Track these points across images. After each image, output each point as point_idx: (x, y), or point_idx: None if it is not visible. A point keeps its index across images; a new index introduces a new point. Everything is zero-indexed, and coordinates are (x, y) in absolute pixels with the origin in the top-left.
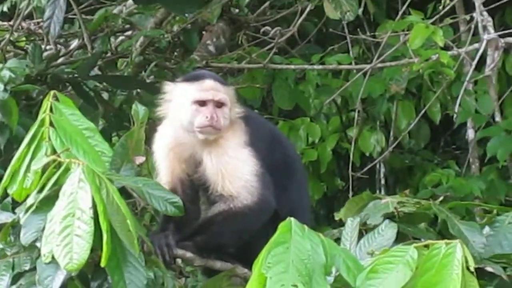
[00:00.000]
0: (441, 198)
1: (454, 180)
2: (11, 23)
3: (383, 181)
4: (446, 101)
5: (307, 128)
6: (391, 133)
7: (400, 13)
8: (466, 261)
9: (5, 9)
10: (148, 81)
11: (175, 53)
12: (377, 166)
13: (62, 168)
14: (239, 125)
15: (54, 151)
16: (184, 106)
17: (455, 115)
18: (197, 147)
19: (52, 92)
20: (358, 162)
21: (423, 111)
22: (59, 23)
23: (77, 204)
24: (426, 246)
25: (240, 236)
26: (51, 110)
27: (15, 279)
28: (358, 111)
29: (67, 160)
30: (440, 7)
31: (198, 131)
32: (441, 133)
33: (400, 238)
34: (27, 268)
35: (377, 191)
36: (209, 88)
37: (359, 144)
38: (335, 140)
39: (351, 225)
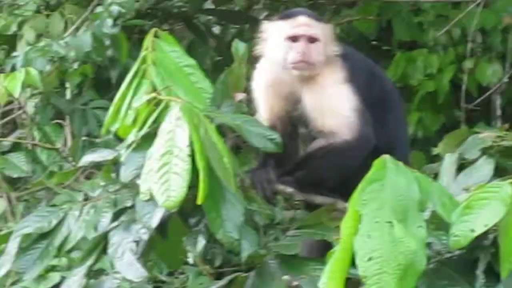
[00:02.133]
0: None
1: None
2: None
3: (499, 112)
4: None
5: (425, 59)
6: (507, 64)
7: None
8: None
9: None
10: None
11: None
12: (493, 97)
13: (162, 105)
14: (337, 62)
15: (155, 89)
16: (278, 43)
17: None
18: (296, 84)
19: (153, 30)
20: (475, 93)
21: None
22: None
23: (174, 142)
24: None
25: (340, 172)
26: (153, 47)
27: (116, 215)
28: (474, 42)
29: (167, 98)
30: None
31: (292, 67)
32: None
33: (501, 172)
34: (128, 205)
35: (493, 123)
36: (302, 24)
37: (476, 75)
38: (453, 71)
39: (449, 161)
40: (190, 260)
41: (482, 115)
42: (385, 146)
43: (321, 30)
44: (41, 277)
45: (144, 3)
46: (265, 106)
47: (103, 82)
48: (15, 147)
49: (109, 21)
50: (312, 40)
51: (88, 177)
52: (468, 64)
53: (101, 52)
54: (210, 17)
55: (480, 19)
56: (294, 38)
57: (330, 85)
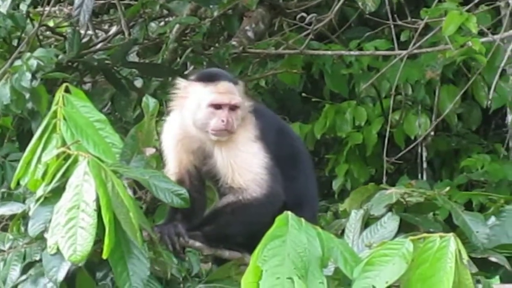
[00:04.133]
0: (447, 189)
1: (489, 165)
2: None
3: (425, 165)
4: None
5: (353, 111)
6: (433, 117)
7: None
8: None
9: None
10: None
11: (216, 39)
12: (419, 150)
13: (70, 160)
14: (249, 119)
15: (64, 143)
16: (199, 108)
17: (488, 101)
18: (207, 140)
19: (64, 85)
20: (402, 146)
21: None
22: (88, 12)
23: (81, 196)
24: (422, 238)
25: (249, 228)
26: (64, 102)
27: (25, 269)
28: (405, 95)
29: (76, 152)
30: None
31: (212, 133)
32: (492, 117)
33: (408, 228)
34: (37, 259)
35: (419, 176)
36: (225, 91)
37: (404, 127)
38: (380, 123)
39: (355, 217)
40: None
41: (409, 167)
42: (293, 202)
43: (240, 94)
44: None
45: (65, 56)
46: (174, 159)
47: (25, 134)
48: None
49: (28, 75)
50: (234, 107)
51: (4, 229)
52: (397, 116)
53: (20, 105)
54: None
55: (405, 72)
56: (217, 106)
57: (242, 142)
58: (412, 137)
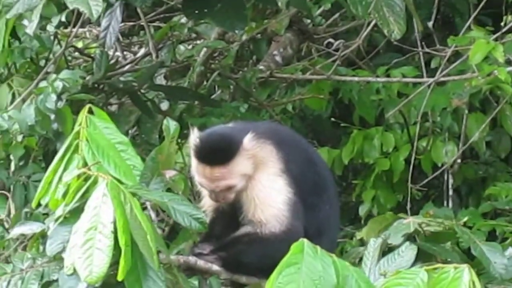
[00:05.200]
0: (465, 219)
1: None
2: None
3: (451, 192)
4: None
5: (381, 137)
6: (460, 145)
7: (464, 27)
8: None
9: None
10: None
11: (245, 63)
12: (445, 177)
13: (90, 181)
14: (271, 153)
15: (86, 164)
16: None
17: None
18: None
19: (87, 106)
20: (429, 173)
21: (485, 123)
22: (115, 34)
23: (99, 218)
24: (438, 268)
25: (263, 260)
26: (87, 123)
27: None
28: (433, 122)
29: (96, 173)
30: (502, 24)
31: None
32: None
33: (426, 257)
34: (55, 278)
35: (445, 203)
36: (209, 177)
37: (432, 154)
38: (408, 150)
39: (373, 245)
40: None
41: (436, 195)
42: (314, 230)
43: (236, 173)
44: None
45: (91, 78)
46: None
47: (50, 154)
48: None
49: (53, 96)
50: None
51: (25, 248)
52: (424, 143)
53: (45, 126)
54: (160, 92)
55: (431, 100)
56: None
57: (265, 178)
58: (439, 164)
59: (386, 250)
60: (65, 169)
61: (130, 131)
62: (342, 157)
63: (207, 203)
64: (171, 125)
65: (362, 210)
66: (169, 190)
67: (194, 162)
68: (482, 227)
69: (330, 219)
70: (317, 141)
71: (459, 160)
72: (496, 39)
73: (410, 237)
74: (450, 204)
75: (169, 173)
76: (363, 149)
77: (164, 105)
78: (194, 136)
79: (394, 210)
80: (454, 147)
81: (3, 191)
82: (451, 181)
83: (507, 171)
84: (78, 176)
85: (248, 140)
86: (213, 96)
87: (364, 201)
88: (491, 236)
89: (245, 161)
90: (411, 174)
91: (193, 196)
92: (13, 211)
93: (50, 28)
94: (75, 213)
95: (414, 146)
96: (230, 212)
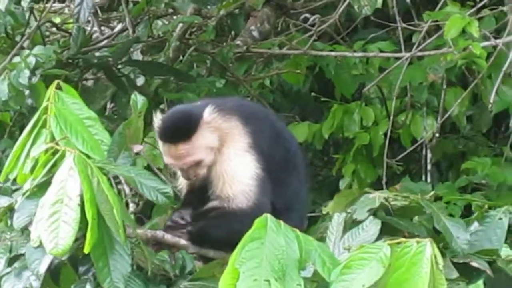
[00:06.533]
0: (431, 193)
1: (490, 168)
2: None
3: (429, 167)
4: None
5: (361, 111)
6: (439, 119)
7: (441, 2)
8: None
9: None
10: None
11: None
12: (423, 152)
13: (58, 155)
14: (238, 128)
15: (53, 139)
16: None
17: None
18: None
19: (56, 82)
20: (409, 147)
21: (461, 97)
22: (88, 9)
23: (66, 191)
24: (400, 243)
25: (229, 235)
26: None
27: (11, 262)
28: (411, 96)
29: (63, 148)
30: None
31: None
32: (502, 120)
33: (393, 232)
34: (22, 252)
35: (423, 177)
36: (174, 155)
37: (410, 128)
38: (387, 124)
39: (337, 220)
40: None
41: (417, 169)
42: (282, 205)
43: (200, 148)
44: None
45: (66, 53)
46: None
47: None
48: None
49: (26, 71)
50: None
51: None
52: (402, 118)
53: (20, 101)
54: (135, 67)
55: (408, 74)
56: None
57: (233, 153)
58: (419, 139)
59: (353, 225)
60: (33, 144)
61: (108, 106)
62: (323, 131)
63: (182, 182)
64: (138, 100)
65: (343, 185)
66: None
67: (159, 143)
68: (457, 201)
69: (299, 195)
70: (300, 116)
71: (437, 135)
72: (471, 15)
73: (379, 212)
74: (429, 179)
75: (137, 148)
76: (343, 124)
77: (140, 80)
78: (157, 119)
79: (374, 184)
80: (433, 121)
81: None
82: (429, 155)
83: (487, 145)
84: (46, 151)
85: (208, 114)
86: (191, 72)
87: (345, 175)
88: (467, 211)
89: (208, 134)
90: (391, 149)
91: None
92: None
93: (24, 3)
94: (43, 187)
95: (391, 120)
96: (203, 189)
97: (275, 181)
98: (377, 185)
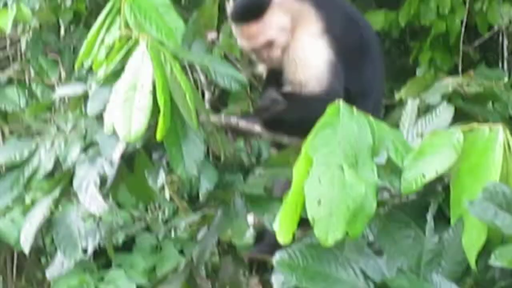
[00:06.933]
0: (506, 79)
1: None
2: None
3: (506, 54)
4: None
5: None
6: None
7: None
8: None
9: None
10: None
11: None
12: (500, 39)
13: (132, 42)
14: (311, 12)
15: (128, 26)
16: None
17: None
18: None
19: None
20: (485, 34)
21: None
22: None
23: (139, 78)
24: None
25: (303, 120)
26: None
27: (85, 149)
28: None
29: (137, 34)
30: None
31: None
32: None
33: (468, 119)
34: (97, 139)
35: (500, 65)
36: (247, 35)
37: (487, 15)
38: (464, 11)
39: (410, 106)
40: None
41: (495, 57)
42: (357, 91)
43: (271, 26)
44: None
45: None
46: None
47: None
48: (11, 82)
49: None
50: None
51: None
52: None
53: None
54: None
55: None
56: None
57: (305, 38)
58: (496, 26)
59: (427, 111)
60: (107, 31)
61: None
62: (399, 19)
63: (260, 68)
64: None
65: (420, 73)
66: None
67: (233, 27)
68: None
69: (374, 82)
70: (376, 4)
71: None
72: None
73: (451, 98)
74: (506, 67)
75: (211, 35)
76: (420, 11)
77: None
78: (230, 3)
79: (451, 72)
80: (509, 8)
81: (54, 55)
82: (506, 42)
83: None
84: (120, 38)
85: None
86: None
87: (421, 63)
88: None
89: (280, 14)
90: (468, 37)
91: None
92: (63, 75)
93: None
94: (116, 75)
95: (466, 7)
96: (279, 74)
97: (350, 67)
98: (453, 73)
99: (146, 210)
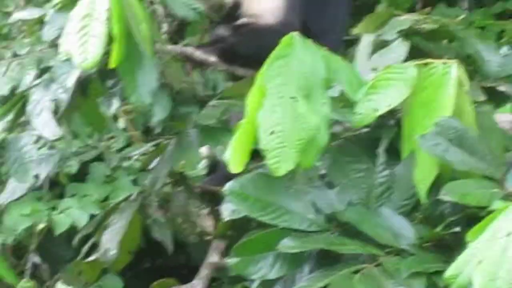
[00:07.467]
0: (462, 16)
1: None
2: None
3: None
4: None
5: None
6: None
7: None
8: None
9: None
10: None
11: None
12: None
13: None
14: None
15: None
16: None
17: None
18: None
19: None
20: None
21: None
22: None
23: (95, 5)
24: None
25: (258, 52)
26: None
27: (40, 74)
28: None
29: None
30: None
31: None
32: None
33: (422, 56)
34: (51, 64)
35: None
36: None
37: None
38: None
39: (366, 41)
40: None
41: None
42: (320, 28)
43: None
44: None
45: None
46: None
47: None
48: None
49: None
50: None
51: None
52: None
53: None
54: None
55: None
56: None
57: None
58: None
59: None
60: None
61: None
62: None
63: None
64: None
65: (380, 9)
66: None
67: None
68: (491, 28)
69: (336, 18)
70: None
71: None
72: None
73: (408, 35)
74: (466, 6)
75: None
76: None
77: None
78: None
79: (412, 11)
80: None
81: None
82: None
83: None
84: None
85: None
86: None
87: (382, 0)
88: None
89: None
90: None
91: None
92: (22, 3)
93: None
94: (74, 1)
95: None
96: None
97: (311, 3)
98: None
99: (100, 140)
